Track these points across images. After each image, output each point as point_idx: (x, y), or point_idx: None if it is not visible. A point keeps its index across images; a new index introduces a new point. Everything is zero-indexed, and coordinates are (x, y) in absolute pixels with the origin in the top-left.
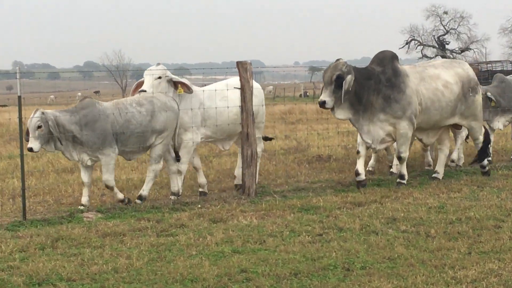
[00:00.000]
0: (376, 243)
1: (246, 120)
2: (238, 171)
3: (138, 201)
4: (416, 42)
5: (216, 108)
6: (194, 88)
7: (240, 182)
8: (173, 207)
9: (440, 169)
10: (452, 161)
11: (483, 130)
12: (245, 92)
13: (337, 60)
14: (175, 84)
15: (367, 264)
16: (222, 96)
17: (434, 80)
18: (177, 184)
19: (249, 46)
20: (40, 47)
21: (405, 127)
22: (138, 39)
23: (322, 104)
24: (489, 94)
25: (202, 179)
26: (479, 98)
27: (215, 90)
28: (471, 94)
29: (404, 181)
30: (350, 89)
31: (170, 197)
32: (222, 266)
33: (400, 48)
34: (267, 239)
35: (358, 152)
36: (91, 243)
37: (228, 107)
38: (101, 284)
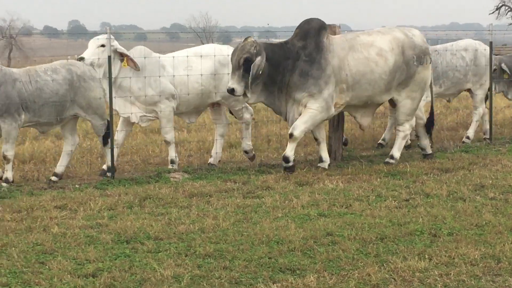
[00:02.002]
0: (464, 209)
1: None
2: (214, 150)
3: (53, 178)
4: (506, 7)
5: (179, 76)
6: (160, 55)
7: (214, 162)
8: (259, 170)
9: (396, 153)
10: (468, 137)
11: (414, 120)
12: None
13: (246, 39)
14: (122, 56)
15: (454, 230)
16: (185, 66)
17: (366, 49)
18: (66, 163)
19: (336, 10)
20: (128, 9)
21: (317, 109)
22: (225, 2)
23: (231, 92)
24: (503, 65)
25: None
26: (425, 72)
27: (173, 57)
28: (415, 63)
29: (325, 165)
30: (260, 72)
31: (51, 178)
32: (308, 229)
33: (490, 14)
34: (353, 203)
35: (290, 136)
36: (178, 203)
37: (188, 75)
38: (188, 243)
